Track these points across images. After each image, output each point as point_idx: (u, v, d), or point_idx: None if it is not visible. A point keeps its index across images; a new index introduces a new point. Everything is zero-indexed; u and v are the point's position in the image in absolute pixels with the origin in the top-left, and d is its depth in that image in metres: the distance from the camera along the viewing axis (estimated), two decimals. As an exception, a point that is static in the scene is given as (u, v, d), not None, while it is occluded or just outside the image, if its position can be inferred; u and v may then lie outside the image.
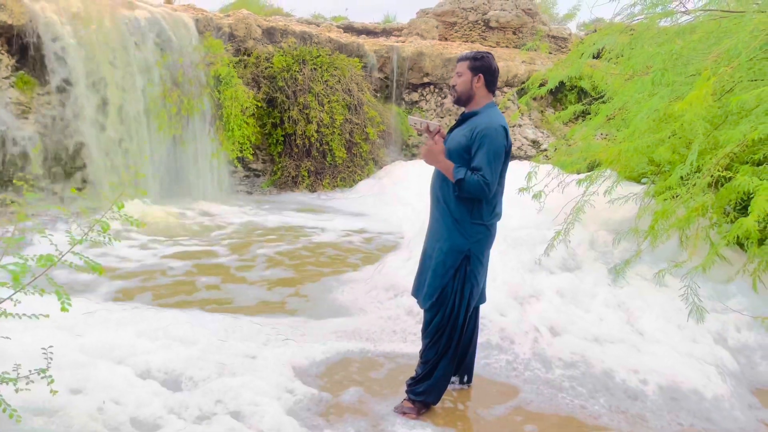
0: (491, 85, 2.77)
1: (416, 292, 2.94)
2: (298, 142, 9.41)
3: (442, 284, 2.73)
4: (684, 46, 4.44)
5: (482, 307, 3.19)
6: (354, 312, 4.18)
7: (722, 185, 3.98)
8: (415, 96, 11.87)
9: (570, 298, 4.16)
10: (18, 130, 6.57)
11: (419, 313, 3.69)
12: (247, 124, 8.82)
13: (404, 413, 2.80)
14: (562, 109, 11.73)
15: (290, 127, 9.38)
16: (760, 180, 3.46)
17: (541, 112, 12.61)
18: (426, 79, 11.73)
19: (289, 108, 9.32)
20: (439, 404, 2.91)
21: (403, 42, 12.52)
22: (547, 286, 4.24)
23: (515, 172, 4.29)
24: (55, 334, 2.92)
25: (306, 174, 9.55)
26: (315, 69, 9.67)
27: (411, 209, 7.84)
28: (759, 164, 4.08)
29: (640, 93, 4.58)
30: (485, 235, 2.75)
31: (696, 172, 3.84)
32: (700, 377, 3.16)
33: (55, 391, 2.21)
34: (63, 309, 1.99)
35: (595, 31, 7.93)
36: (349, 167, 9.94)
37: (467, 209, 2.69)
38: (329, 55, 10.01)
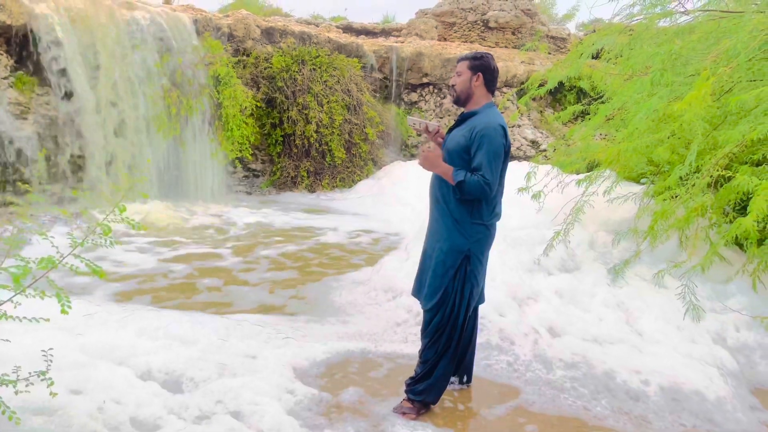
0: (490, 84, 2.77)
1: (417, 293, 2.94)
2: (297, 142, 9.41)
3: (443, 284, 2.74)
4: (683, 47, 4.45)
5: (481, 308, 3.19)
6: (354, 313, 4.18)
7: (722, 185, 3.98)
8: (414, 96, 11.88)
9: (569, 298, 4.16)
10: (17, 130, 6.57)
11: (419, 314, 3.69)
12: (247, 124, 8.82)
13: (404, 413, 2.80)
14: (562, 109, 11.74)
15: (289, 128, 9.37)
16: (759, 180, 3.47)
17: (541, 112, 12.62)
18: (425, 80, 11.74)
19: (288, 108, 9.32)
20: (439, 404, 2.91)
21: (402, 42, 12.53)
22: (546, 286, 4.24)
23: (514, 172, 4.29)
24: (56, 335, 2.92)
25: (305, 174, 9.55)
26: (314, 69, 9.67)
27: (411, 209, 7.85)
28: (758, 164, 4.09)
29: (639, 93, 4.58)
30: (485, 235, 2.75)
31: (695, 172, 3.84)
32: (702, 378, 3.16)
33: (54, 393, 2.21)
34: (63, 311, 1.98)
35: (594, 31, 7.94)
36: (348, 167, 9.94)
37: (467, 209, 2.70)
38: (328, 55, 10.01)
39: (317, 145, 9.52)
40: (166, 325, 3.42)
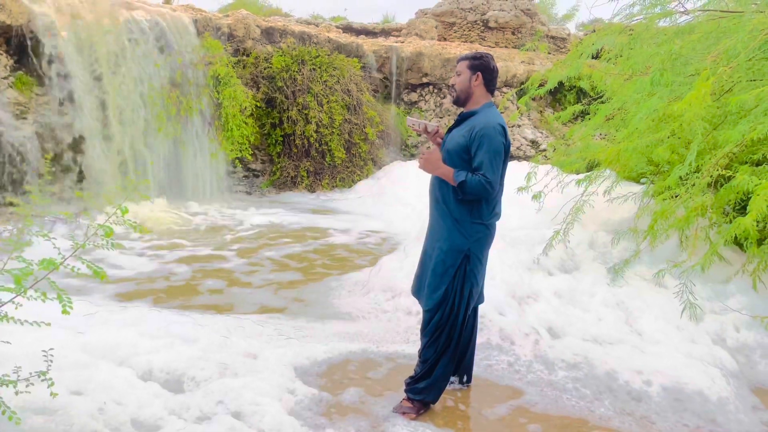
0: (490, 84, 2.78)
1: (416, 292, 2.95)
2: (297, 142, 9.41)
3: (442, 284, 2.74)
4: (683, 46, 4.45)
5: (481, 307, 3.19)
6: (354, 314, 4.18)
7: (721, 185, 3.99)
8: (414, 96, 11.88)
9: (568, 298, 4.16)
10: (16, 130, 6.57)
11: (419, 314, 3.69)
12: (246, 124, 8.82)
13: (404, 412, 2.80)
14: (561, 109, 11.74)
15: (289, 128, 9.38)
16: (759, 180, 3.47)
17: (540, 112, 12.62)
18: (425, 80, 11.74)
19: (288, 108, 9.32)
20: (440, 404, 2.91)
21: (402, 42, 12.53)
22: (546, 286, 4.24)
23: (514, 172, 4.29)
24: (57, 334, 2.91)
25: (305, 174, 9.55)
26: (314, 69, 9.67)
27: (411, 209, 7.84)
28: (758, 164, 4.09)
29: (639, 93, 4.59)
30: (485, 234, 2.76)
31: (695, 172, 3.85)
32: (704, 379, 3.16)
33: (55, 393, 2.21)
34: (64, 311, 1.99)
35: (594, 31, 7.94)
36: (348, 167, 9.94)
37: (467, 209, 2.70)
38: (328, 55, 10.01)
39: (317, 145, 9.52)
40: (168, 324, 3.42)
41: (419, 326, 3.00)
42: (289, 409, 2.74)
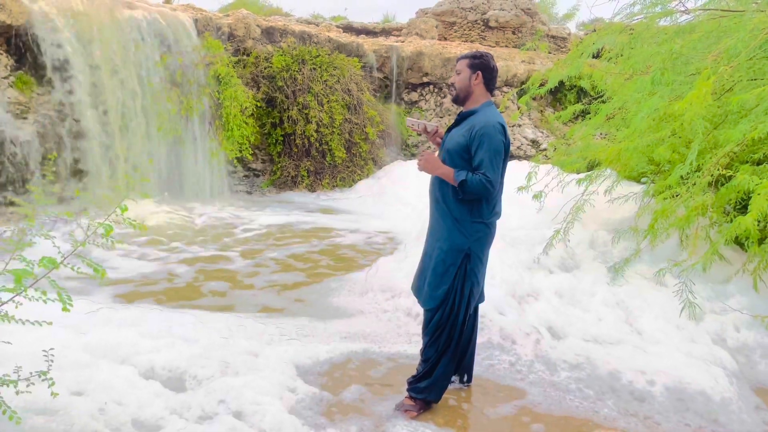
0: (490, 83, 2.78)
1: (417, 292, 2.95)
2: (297, 141, 9.41)
3: (443, 283, 2.74)
4: (683, 46, 4.45)
5: (481, 306, 3.19)
6: (355, 314, 4.17)
7: (722, 184, 3.98)
8: (414, 96, 11.88)
9: (569, 297, 4.16)
10: (17, 130, 6.57)
11: (419, 314, 3.70)
12: (247, 124, 8.82)
13: (405, 411, 2.80)
14: (562, 108, 11.74)
15: (289, 127, 9.37)
16: (760, 179, 3.47)
17: (541, 111, 12.62)
18: (425, 79, 11.73)
19: (288, 108, 9.32)
20: (442, 403, 2.91)
21: (403, 42, 12.52)
22: (547, 285, 4.24)
23: (515, 171, 4.30)
24: (58, 333, 2.91)
25: (305, 174, 9.55)
26: (314, 69, 9.67)
27: (411, 209, 7.84)
28: (759, 163, 4.09)
29: (640, 92, 4.58)
30: (485, 233, 2.76)
31: (696, 171, 3.84)
32: (707, 379, 3.15)
33: (56, 393, 2.21)
34: (64, 309, 1.99)
35: (595, 30, 7.93)
36: (348, 167, 9.94)
37: (467, 208, 2.70)
38: (328, 54, 10.01)
39: (317, 144, 9.52)
40: (169, 323, 3.42)
41: (420, 327, 3.00)
42: (290, 408, 2.74)
